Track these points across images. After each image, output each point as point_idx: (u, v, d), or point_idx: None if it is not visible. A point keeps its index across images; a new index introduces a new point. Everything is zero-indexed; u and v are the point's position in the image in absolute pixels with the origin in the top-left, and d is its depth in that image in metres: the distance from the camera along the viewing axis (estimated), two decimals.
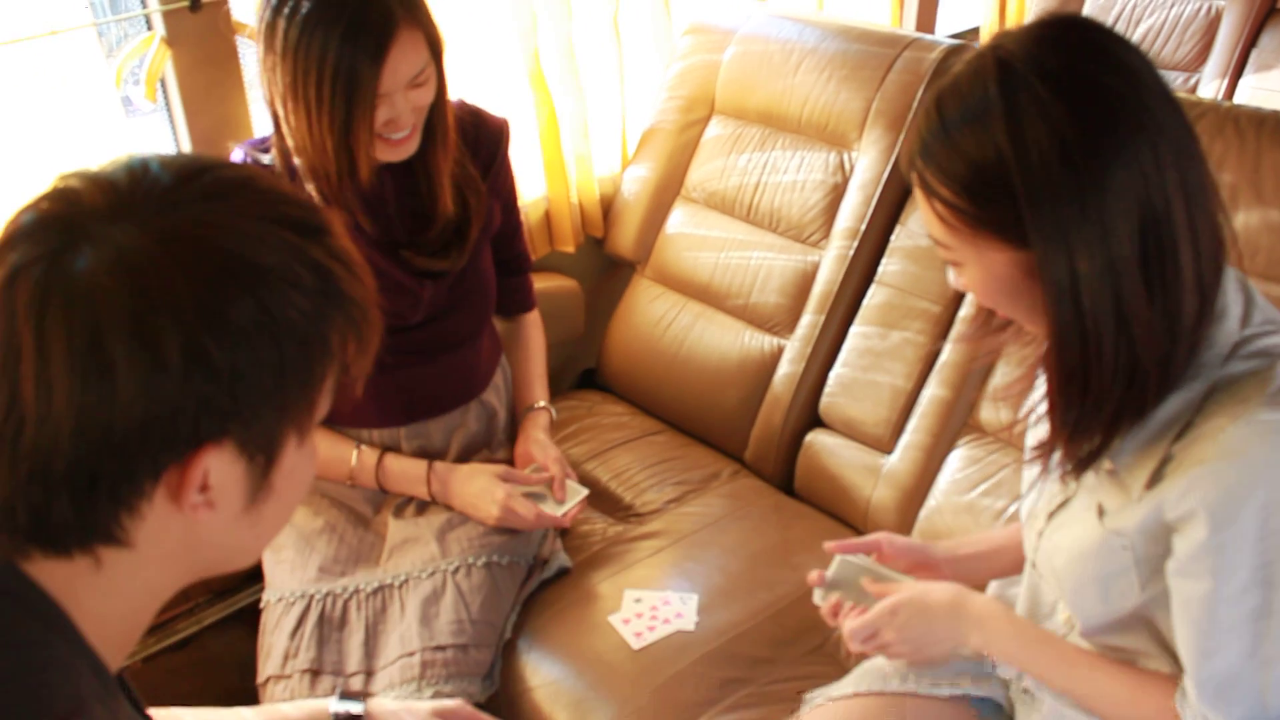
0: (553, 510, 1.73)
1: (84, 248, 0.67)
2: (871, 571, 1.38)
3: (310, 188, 1.55)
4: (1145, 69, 0.98)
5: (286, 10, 1.44)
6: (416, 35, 1.48)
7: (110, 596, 0.75)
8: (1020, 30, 0.99)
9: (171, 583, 0.80)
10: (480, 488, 1.71)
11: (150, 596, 0.79)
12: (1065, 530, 1.15)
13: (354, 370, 0.79)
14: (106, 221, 0.68)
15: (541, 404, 1.92)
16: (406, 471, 1.75)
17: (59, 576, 0.73)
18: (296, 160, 1.55)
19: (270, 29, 1.46)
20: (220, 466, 0.72)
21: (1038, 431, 1.19)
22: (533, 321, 2.01)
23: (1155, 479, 1.02)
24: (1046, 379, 1.04)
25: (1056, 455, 1.08)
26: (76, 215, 0.69)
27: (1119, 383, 0.99)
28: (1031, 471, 1.22)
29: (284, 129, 1.53)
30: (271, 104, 1.52)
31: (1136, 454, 1.05)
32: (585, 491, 1.79)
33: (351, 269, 0.76)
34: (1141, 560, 1.06)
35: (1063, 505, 1.17)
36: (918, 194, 1.04)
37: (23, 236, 0.69)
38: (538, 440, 1.84)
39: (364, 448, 1.76)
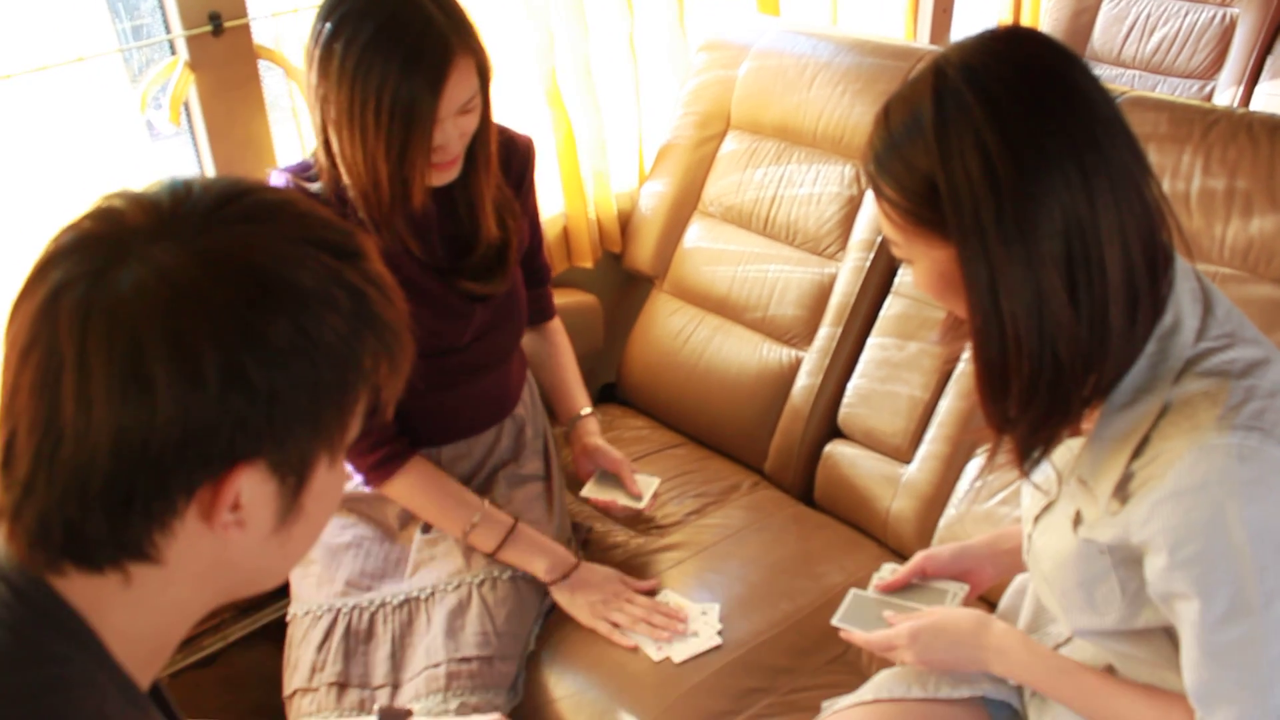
0: (633, 502, 1.85)
1: (127, 266, 0.68)
2: (889, 605, 1.42)
3: (360, 214, 1.57)
4: (1089, 85, 1.01)
5: (344, 38, 1.46)
6: (469, 63, 1.51)
7: (138, 613, 0.76)
8: (969, 41, 1.03)
9: (200, 603, 0.80)
10: (613, 591, 1.73)
11: (179, 615, 0.79)
12: (1048, 535, 1.17)
13: (385, 394, 0.79)
14: (149, 240, 0.69)
15: (587, 411, 1.97)
16: (536, 546, 1.74)
17: (88, 592, 0.74)
18: (347, 185, 1.56)
19: (326, 57, 1.48)
20: (252, 486, 0.72)
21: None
22: (557, 329, 2.04)
23: (1120, 494, 1.04)
24: (974, 373, 1.07)
25: (1001, 455, 1.11)
26: (120, 234, 0.70)
27: (1043, 384, 1.01)
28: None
29: (335, 155, 1.54)
30: (323, 131, 1.54)
31: (1097, 465, 1.07)
32: (657, 481, 1.94)
33: (385, 293, 0.77)
34: (1119, 565, 1.08)
35: (1046, 509, 1.18)
36: (871, 194, 1.09)
37: (66, 254, 0.70)
38: (599, 446, 1.92)
39: (487, 519, 1.73)
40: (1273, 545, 0.98)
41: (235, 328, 0.68)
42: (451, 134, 1.54)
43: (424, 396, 1.73)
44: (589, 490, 1.91)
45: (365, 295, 0.74)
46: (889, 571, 1.50)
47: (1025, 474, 1.12)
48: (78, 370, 0.67)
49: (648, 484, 1.92)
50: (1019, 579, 1.47)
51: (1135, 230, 1.00)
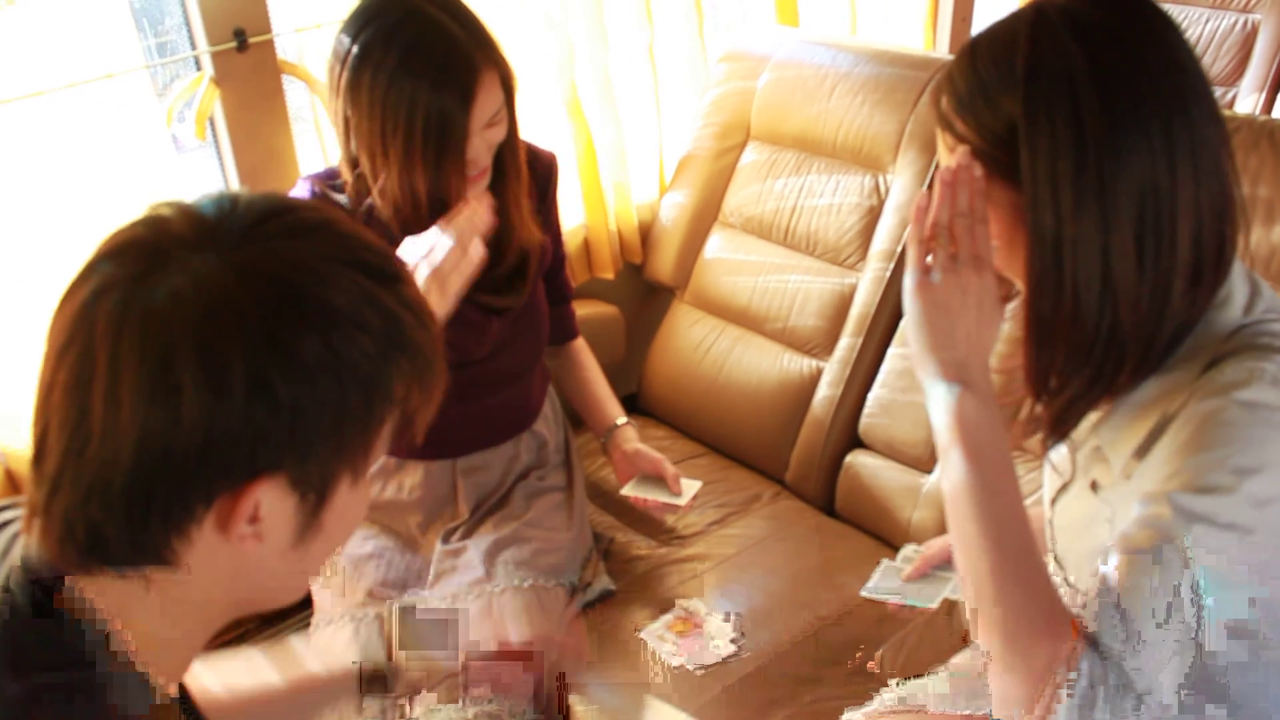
0: (674, 500, 1.86)
1: (166, 273, 0.69)
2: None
3: (396, 233, 1.58)
4: (1185, 53, 0.98)
5: (371, 65, 1.48)
6: (494, 76, 1.53)
7: (159, 618, 0.76)
8: None
9: (218, 612, 0.81)
10: None
11: (199, 622, 0.80)
12: (1066, 512, 1.16)
13: (417, 419, 0.80)
14: (190, 250, 0.70)
15: (621, 421, 1.98)
16: None
17: (112, 595, 0.75)
18: (377, 202, 1.58)
19: (354, 83, 1.50)
20: (272, 500, 0.73)
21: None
22: (581, 347, 2.04)
23: (1141, 454, 1.01)
24: (1023, 332, 1.03)
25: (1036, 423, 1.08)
26: (163, 241, 0.71)
27: (1099, 347, 0.98)
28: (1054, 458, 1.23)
29: (368, 176, 1.56)
30: (355, 154, 1.56)
31: (1120, 430, 1.04)
32: (699, 484, 1.95)
33: (421, 319, 0.77)
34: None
35: (1063, 489, 1.17)
36: (937, 128, 1.06)
37: (110, 257, 0.72)
38: (639, 450, 1.93)
39: None
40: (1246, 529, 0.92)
41: (264, 340, 0.69)
42: (481, 148, 1.56)
43: (441, 408, 1.74)
44: (629, 489, 1.92)
45: (399, 319, 0.75)
46: (912, 551, 1.52)
47: (1049, 447, 1.09)
48: (109, 372, 0.68)
49: (690, 485, 1.93)
50: None
51: (1210, 205, 0.98)
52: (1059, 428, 1.06)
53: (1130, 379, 1.01)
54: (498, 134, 1.58)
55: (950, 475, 1.00)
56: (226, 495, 0.71)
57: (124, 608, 0.75)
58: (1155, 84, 0.95)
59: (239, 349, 0.68)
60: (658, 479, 1.93)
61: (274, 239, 0.72)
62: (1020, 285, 1.04)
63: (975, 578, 0.98)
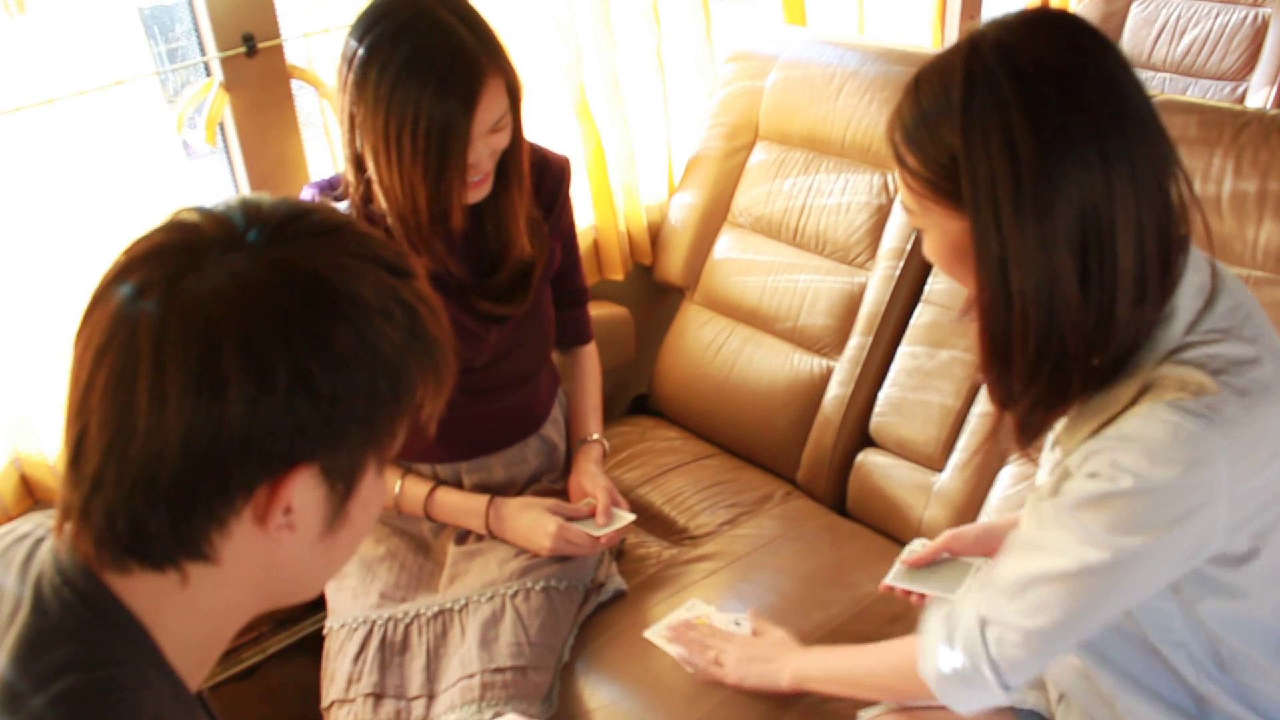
0: (592, 531, 1.75)
1: (204, 271, 0.71)
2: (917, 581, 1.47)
3: (398, 236, 1.59)
4: (1121, 74, 1.02)
5: (377, 65, 1.48)
6: (499, 82, 1.52)
7: (192, 615, 0.78)
8: (1008, 18, 1.05)
9: (248, 607, 0.83)
10: (533, 519, 1.73)
11: (228, 619, 0.82)
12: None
13: (428, 410, 0.82)
14: (224, 250, 0.72)
15: (594, 436, 1.94)
16: (460, 505, 1.78)
17: (146, 593, 0.76)
18: (382, 206, 1.58)
19: (360, 83, 1.50)
20: (304, 490, 0.75)
21: None
22: (589, 354, 2.03)
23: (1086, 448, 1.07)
24: (979, 348, 1.09)
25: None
26: (195, 243, 0.73)
27: (1047, 363, 1.04)
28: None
29: (371, 178, 1.56)
30: (359, 155, 1.56)
31: (1069, 431, 1.11)
32: (630, 517, 1.80)
33: (435, 313, 0.80)
34: None
35: (1029, 486, 1.23)
36: (900, 202, 1.12)
37: (144, 260, 0.73)
38: (588, 472, 1.86)
39: (410, 478, 1.80)
40: (1163, 527, 1.02)
41: (304, 333, 0.72)
42: (483, 153, 1.55)
43: (444, 412, 1.75)
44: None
45: (418, 312, 0.78)
46: (919, 545, 1.51)
47: (1024, 451, 1.15)
48: (154, 368, 0.70)
49: (620, 518, 1.78)
50: None
51: (1152, 221, 1.01)
52: (1025, 434, 1.12)
53: (1083, 390, 1.07)
54: (501, 140, 1.58)
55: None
56: (265, 486, 0.73)
57: (158, 606, 0.77)
58: (1087, 108, 0.99)
59: (280, 342, 0.71)
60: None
61: (301, 238, 0.75)
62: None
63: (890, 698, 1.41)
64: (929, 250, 1.13)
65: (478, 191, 1.61)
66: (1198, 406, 0.99)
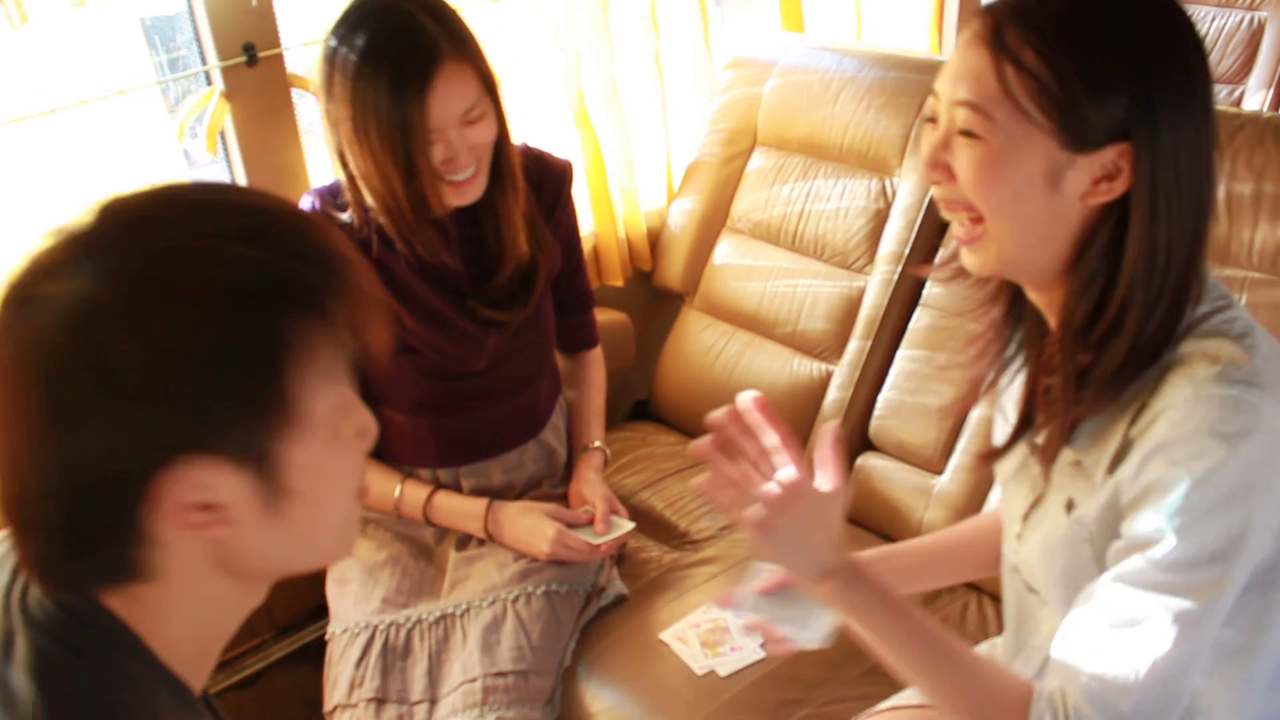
0: (591, 539, 1.74)
1: (37, 307, 0.70)
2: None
3: (390, 231, 1.59)
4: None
5: (338, 63, 1.49)
6: (464, 69, 1.51)
7: (176, 619, 0.77)
8: None
9: (238, 598, 0.81)
10: (531, 524, 1.74)
11: (220, 614, 0.81)
12: (1039, 529, 1.13)
13: (367, 343, 0.79)
14: (61, 276, 0.71)
15: (596, 444, 1.92)
16: (460, 509, 1.79)
17: (126, 603, 0.76)
18: (369, 201, 1.59)
19: (328, 76, 1.51)
20: (216, 482, 0.72)
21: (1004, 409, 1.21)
22: (594, 360, 2.02)
23: (1115, 464, 1.01)
24: (1059, 320, 1.04)
25: (1024, 442, 1.10)
26: (30, 277, 0.72)
27: (1129, 322, 0.99)
28: (1008, 463, 1.19)
29: (353, 174, 1.57)
30: (341, 153, 1.57)
31: (1094, 438, 1.04)
32: (629, 525, 1.79)
33: (308, 256, 0.76)
34: (1100, 556, 1.04)
35: (1035, 504, 1.14)
36: (975, 50, 0.98)
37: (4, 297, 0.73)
38: (588, 480, 1.85)
39: (410, 482, 1.80)
40: (1245, 502, 0.94)
41: (144, 340, 0.69)
42: (459, 146, 1.53)
43: (440, 418, 1.75)
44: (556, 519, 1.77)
45: (277, 269, 0.74)
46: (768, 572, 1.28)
47: (1047, 455, 1.08)
48: (22, 415, 0.71)
49: (619, 526, 1.78)
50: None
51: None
52: (1053, 445, 1.06)
53: (1118, 369, 1.00)
54: (479, 134, 1.55)
55: (872, 646, 1.10)
56: (159, 494, 0.71)
57: (140, 614, 0.76)
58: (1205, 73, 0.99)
59: (124, 356, 0.69)
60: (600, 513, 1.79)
61: (142, 235, 0.73)
62: (990, 216, 1.01)
63: (939, 703, 1.09)
64: (969, 166, 0.99)
65: (465, 191, 1.59)
66: (1240, 375, 0.94)
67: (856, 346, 2.06)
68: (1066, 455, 1.08)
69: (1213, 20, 3.38)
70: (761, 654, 1.67)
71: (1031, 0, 0.97)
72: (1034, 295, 1.10)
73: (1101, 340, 1.00)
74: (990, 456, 1.20)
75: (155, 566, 0.74)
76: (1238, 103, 3.28)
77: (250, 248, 0.73)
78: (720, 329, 2.28)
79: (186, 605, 0.77)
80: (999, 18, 0.97)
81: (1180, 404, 0.95)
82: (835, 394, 2.07)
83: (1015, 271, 1.08)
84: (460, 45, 1.51)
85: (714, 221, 2.33)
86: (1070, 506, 1.08)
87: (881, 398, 2.01)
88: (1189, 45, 0.97)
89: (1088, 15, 0.97)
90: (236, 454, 0.73)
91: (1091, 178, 0.98)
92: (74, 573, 0.74)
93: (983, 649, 1.39)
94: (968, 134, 0.99)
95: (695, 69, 2.46)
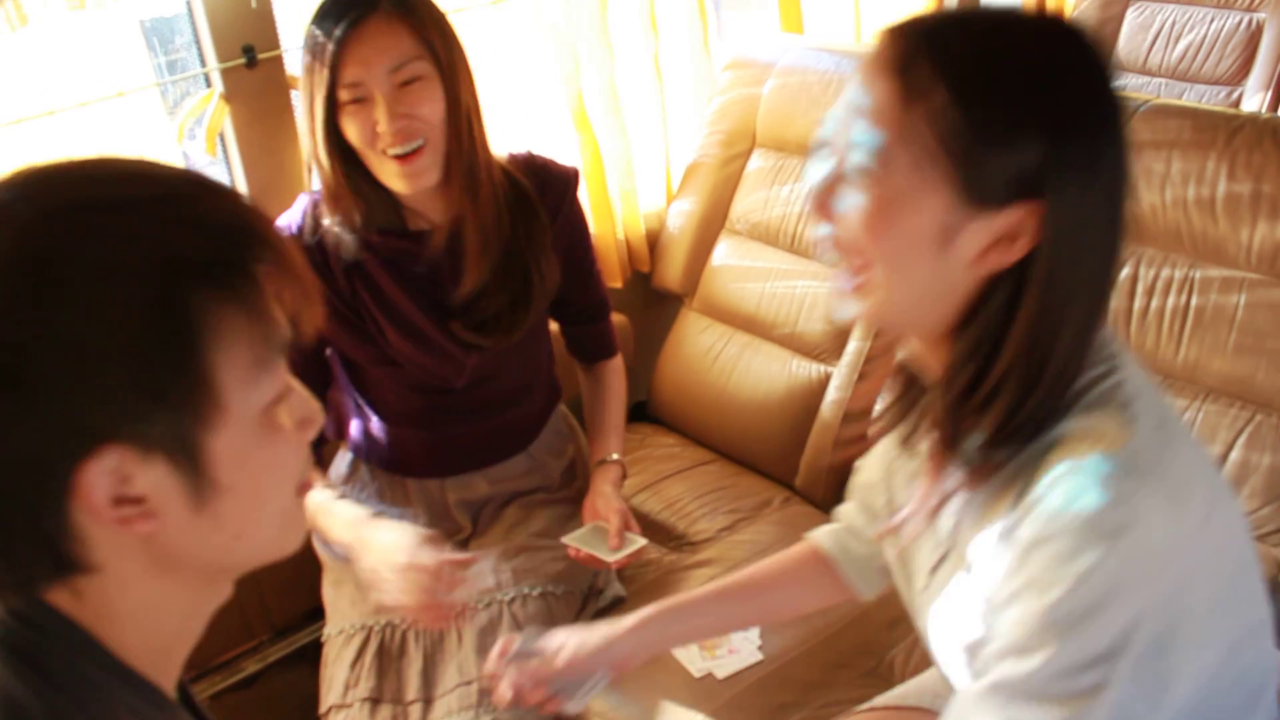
0: (604, 555, 1.67)
1: None
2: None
3: (339, 225, 1.59)
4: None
5: (305, 43, 1.51)
6: (397, 25, 1.48)
7: (126, 617, 0.74)
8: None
9: (193, 595, 0.78)
10: (394, 538, 1.54)
11: (174, 613, 0.77)
12: (943, 586, 1.06)
13: (295, 325, 0.75)
14: None
15: (614, 457, 1.84)
16: (340, 512, 1.64)
17: (74, 601, 0.73)
18: (326, 204, 1.59)
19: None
20: (139, 474, 0.69)
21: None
22: (613, 369, 1.95)
23: (998, 545, 0.95)
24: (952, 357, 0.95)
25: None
26: None
27: (1019, 376, 0.91)
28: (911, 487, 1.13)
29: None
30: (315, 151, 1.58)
31: (981, 514, 0.98)
32: (642, 542, 1.71)
33: (201, 229, 0.70)
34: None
35: (942, 560, 1.06)
36: (882, 81, 0.89)
37: None
38: (604, 494, 1.76)
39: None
40: (1129, 598, 0.87)
41: (32, 333, 0.66)
42: (394, 108, 1.48)
43: (422, 430, 1.74)
44: (570, 537, 1.72)
45: (169, 243, 0.69)
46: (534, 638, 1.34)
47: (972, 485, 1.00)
48: None
49: (632, 542, 1.71)
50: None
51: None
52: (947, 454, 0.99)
53: (990, 447, 0.94)
54: (417, 102, 1.49)
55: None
56: (83, 486, 0.68)
57: (91, 612, 0.73)
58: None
59: (14, 343, 0.66)
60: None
61: (23, 219, 0.68)
62: (878, 264, 0.92)
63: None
64: (856, 213, 0.90)
65: (412, 174, 1.53)
66: (1120, 459, 0.88)
67: (855, 348, 2.06)
68: (966, 516, 1.01)
69: (1211, 21, 3.38)
70: (759, 656, 1.68)
71: (949, 28, 0.89)
72: (918, 347, 1.04)
73: (978, 410, 0.93)
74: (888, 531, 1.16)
75: (93, 563, 0.71)
76: (1236, 104, 3.28)
77: (120, 219, 0.68)
78: (719, 330, 2.28)
79: (133, 603, 0.74)
80: (911, 45, 0.88)
81: (1059, 495, 0.88)
82: (834, 395, 2.07)
83: (900, 327, 1.01)
84: (406, 6, 1.49)
85: (713, 223, 2.33)
86: (969, 566, 1.02)
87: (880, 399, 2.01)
88: (1109, 100, 0.89)
89: (1007, 54, 0.88)
90: (157, 445, 0.69)
91: (988, 240, 0.89)
92: (12, 574, 0.71)
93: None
94: (861, 173, 0.90)
95: (694, 70, 2.47)
